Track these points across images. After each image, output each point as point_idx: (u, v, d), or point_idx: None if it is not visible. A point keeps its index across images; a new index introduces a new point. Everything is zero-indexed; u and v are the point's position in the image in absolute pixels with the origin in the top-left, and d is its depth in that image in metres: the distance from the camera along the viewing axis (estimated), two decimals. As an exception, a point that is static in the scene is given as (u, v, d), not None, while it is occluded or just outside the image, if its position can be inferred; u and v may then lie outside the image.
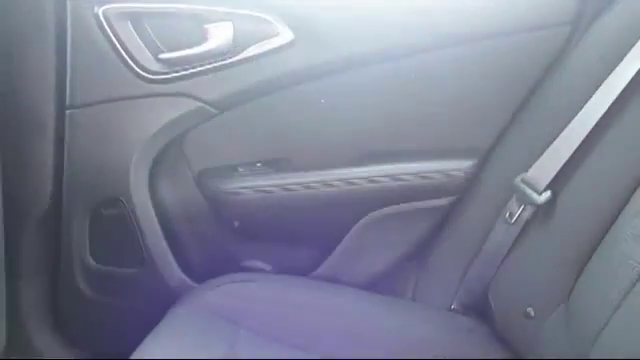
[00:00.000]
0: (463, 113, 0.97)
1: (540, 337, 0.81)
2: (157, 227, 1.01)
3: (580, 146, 0.82)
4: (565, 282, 0.78)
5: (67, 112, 0.95)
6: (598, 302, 0.72)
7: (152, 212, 1.00)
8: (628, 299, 0.68)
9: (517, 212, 0.88)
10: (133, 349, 0.82)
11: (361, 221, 1.00)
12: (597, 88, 0.84)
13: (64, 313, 1.08)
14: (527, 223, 0.87)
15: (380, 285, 1.03)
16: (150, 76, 0.94)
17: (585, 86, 0.85)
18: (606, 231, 0.76)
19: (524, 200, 0.87)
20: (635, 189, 0.74)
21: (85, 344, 1.10)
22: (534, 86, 0.96)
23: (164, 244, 1.01)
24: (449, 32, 0.93)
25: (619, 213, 0.75)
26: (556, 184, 0.84)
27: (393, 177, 0.98)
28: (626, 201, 0.75)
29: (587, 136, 0.82)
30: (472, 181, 0.98)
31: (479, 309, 0.94)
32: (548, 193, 0.84)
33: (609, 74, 0.83)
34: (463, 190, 0.98)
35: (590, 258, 0.77)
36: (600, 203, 0.78)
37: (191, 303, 0.91)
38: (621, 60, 0.82)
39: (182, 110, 0.96)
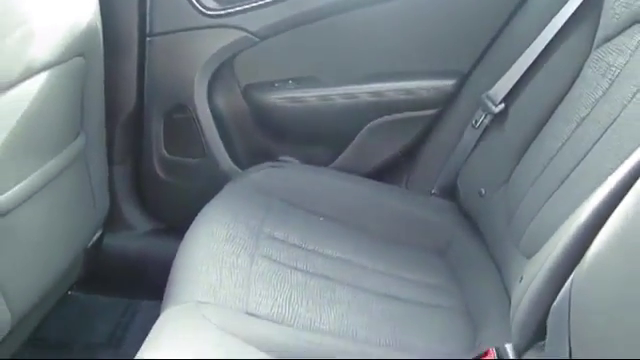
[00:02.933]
0: (447, 43, 1.25)
1: (488, 209, 1.11)
2: (214, 128, 1.33)
3: (526, 71, 1.10)
4: (508, 169, 1.08)
5: (147, 39, 1.27)
6: (523, 180, 1.02)
7: (210, 116, 1.32)
8: (540, 178, 0.98)
9: (480, 120, 1.17)
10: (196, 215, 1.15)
11: (367, 126, 1.31)
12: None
13: (146, 193, 1.42)
14: (486, 128, 1.17)
15: (381, 176, 1.34)
16: (208, 12, 1.24)
17: (542, 21, 1.11)
18: (538, 132, 1.05)
19: (486, 110, 1.16)
20: (561, 100, 1.02)
21: (162, 216, 1.44)
22: (506, 20, 1.22)
23: (219, 141, 1.33)
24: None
25: (549, 119, 1.03)
26: (508, 98, 1.13)
27: (392, 92, 1.27)
28: (554, 110, 1.03)
29: (532, 63, 1.09)
30: (452, 96, 1.27)
31: (450, 192, 1.25)
32: (502, 105, 1.13)
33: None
34: (444, 104, 1.28)
35: (525, 152, 1.06)
36: (537, 112, 1.06)
37: (239, 182, 1.24)
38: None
39: (232, 39, 1.26)
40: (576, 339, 0.63)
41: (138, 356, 0.74)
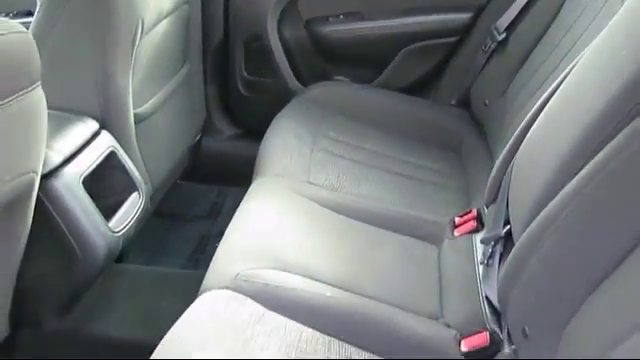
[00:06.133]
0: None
1: (490, 116, 1.46)
2: (283, 54, 1.71)
3: (524, 7, 1.41)
4: (505, 84, 1.41)
5: (231, -13, 1.65)
6: (514, 92, 1.35)
7: (279, 45, 1.70)
8: (523, 90, 1.31)
9: (489, 45, 1.50)
10: (270, 122, 1.55)
11: (402, 51, 1.67)
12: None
13: (231, 105, 1.83)
14: (492, 52, 1.50)
15: (412, 91, 1.70)
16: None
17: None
18: (529, 55, 1.37)
19: (492, 38, 1.49)
20: (546, 31, 1.34)
21: (243, 123, 1.84)
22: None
23: (286, 64, 1.72)
24: None
25: (537, 45, 1.35)
26: (509, 29, 1.45)
27: (421, 24, 1.62)
28: (541, 38, 1.35)
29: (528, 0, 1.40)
30: (468, 27, 1.60)
31: (465, 103, 1.60)
32: (505, 34, 1.45)
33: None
34: (462, 32, 1.61)
35: (519, 71, 1.39)
36: (528, 40, 1.37)
37: (302, 97, 1.62)
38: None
39: (294, -17, 1.63)
40: (512, 192, 1.01)
41: (242, 206, 1.17)
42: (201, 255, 1.63)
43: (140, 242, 1.51)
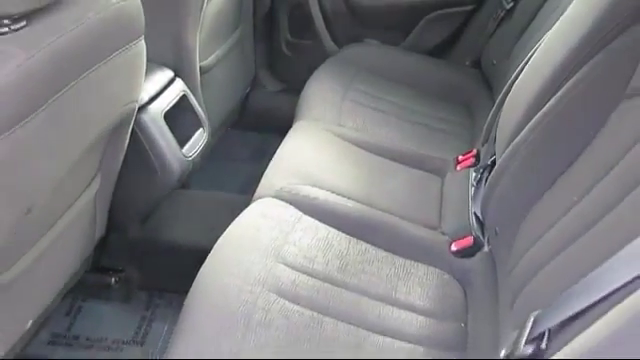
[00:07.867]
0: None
1: (496, 74, 1.70)
2: (321, 19, 1.97)
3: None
4: (510, 46, 1.64)
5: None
6: (517, 54, 1.59)
7: (319, 11, 1.96)
8: (523, 51, 1.55)
9: (499, 13, 1.74)
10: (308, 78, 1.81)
11: (425, 17, 1.92)
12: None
13: (276, 64, 2.11)
14: (502, 18, 1.73)
15: (433, 53, 1.95)
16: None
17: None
18: (531, 22, 1.60)
19: (501, 7, 1.73)
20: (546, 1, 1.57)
21: (285, 79, 2.11)
22: None
23: (324, 28, 1.98)
24: None
25: (537, 14, 1.58)
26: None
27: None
28: (541, 7, 1.58)
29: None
30: (483, -4, 1.84)
31: (478, 64, 1.84)
32: (512, 3, 1.69)
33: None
34: (477, 2, 1.85)
35: (521, 36, 1.62)
36: (531, 9, 1.60)
37: (337, 57, 1.89)
38: None
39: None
40: (498, 128, 1.27)
41: (285, 140, 1.45)
42: (249, 188, 1.92)
43: (197, 179, 1.82)
